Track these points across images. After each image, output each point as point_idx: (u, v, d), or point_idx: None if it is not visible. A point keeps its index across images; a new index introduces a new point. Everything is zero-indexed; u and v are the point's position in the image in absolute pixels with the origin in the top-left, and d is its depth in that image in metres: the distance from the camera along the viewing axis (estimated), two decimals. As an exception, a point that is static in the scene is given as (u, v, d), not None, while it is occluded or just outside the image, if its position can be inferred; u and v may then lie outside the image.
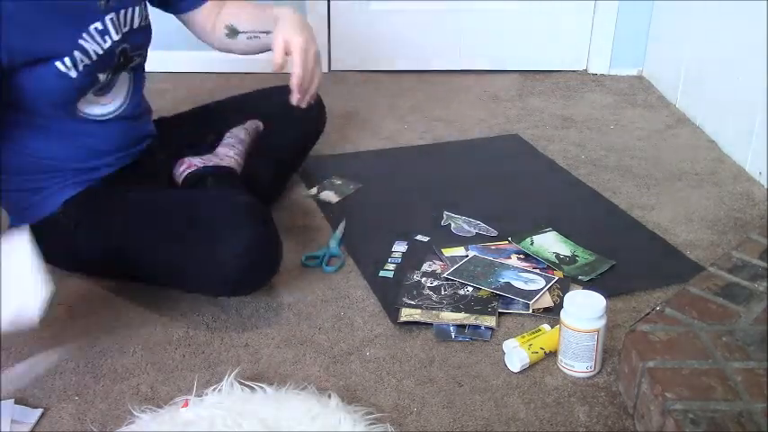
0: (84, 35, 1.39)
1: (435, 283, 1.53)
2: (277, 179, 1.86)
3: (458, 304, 1.47)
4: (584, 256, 1.63)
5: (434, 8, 2.71)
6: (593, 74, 2.79)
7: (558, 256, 1.63)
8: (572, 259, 1.62)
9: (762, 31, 1.98)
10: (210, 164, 1.65)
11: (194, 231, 1.41)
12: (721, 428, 1.05)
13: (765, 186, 1.99)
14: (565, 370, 1.33)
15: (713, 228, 1.81)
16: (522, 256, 1.64)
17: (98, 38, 1.41)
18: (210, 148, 1.71)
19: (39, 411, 1.23)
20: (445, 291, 1.51)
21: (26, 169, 1.49)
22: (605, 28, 2.73)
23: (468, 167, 2.09)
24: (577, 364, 1.32)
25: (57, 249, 1.52)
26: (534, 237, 1.69)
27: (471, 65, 2.79)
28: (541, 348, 1.36)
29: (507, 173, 2.07)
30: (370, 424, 1.19)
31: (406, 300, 1.49)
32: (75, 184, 1.50)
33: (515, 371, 1.33)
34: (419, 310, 1.46)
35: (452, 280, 1.53)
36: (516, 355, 1.33)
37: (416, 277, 1.55)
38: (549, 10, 2.72)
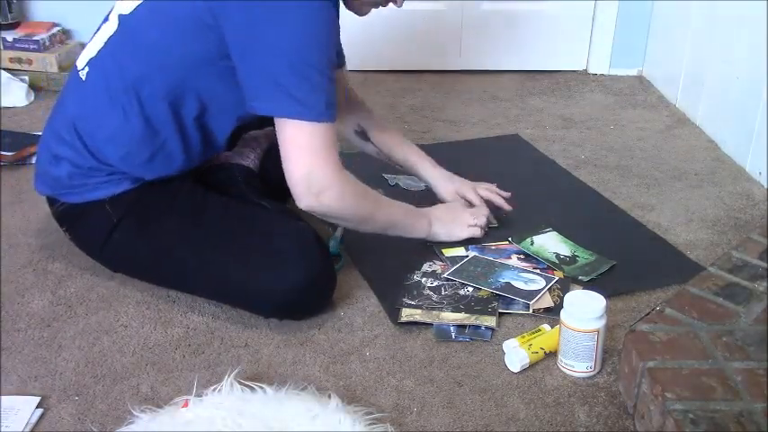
0: None
1: (436, 284, 1.53)
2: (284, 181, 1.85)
3: (458, 304, 1.47)
4: (584, 257, 1.63)
5: (434, 8, 2.71)
6: (593, 74, 2.79)
7: (558, 256, 1.63)
8: (572, 259, 1.62)
9: (762, 31, 1.98)
10: (234, 161, 1.66)
11: (257, 252, 1.42)
12: (721, 428, 1.05)
13: (765, 186, 1.99)
14: (565, 370, 1.33)
15: (713, 228, 1.81)
16: (522, 256, 1.64)
17: None
18: (231, 145, 1.71)
19: (38, 406, 1.23)
20: (445, 291, 1.51)
21: (116, 153, 1.46)
22: (605, 28, 2.73)
23: (469, 167, 2.09)
24: (577, 364, 1.32)
25: (89, 236, 1.53)
26: (534, 237, 1.69)
27: (471, 65, 2.79)
28: (541, 348, 1.36)
29: (507, 173, 2.06)
30: (370, 424, 1.19)
31: (406, 300, 1.49)
32: (134, 180, 1.48)
33: (515, 371, 1.33)
34: (419, 311, 1.46)
35: (452, 280, 1.53)
36: (516, 355, 1.33)
37: (417, 277, 1.55)
38: (549, 10, 2.72)
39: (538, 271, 1.57)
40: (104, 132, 1.45)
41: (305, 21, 1.33)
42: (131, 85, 1.42)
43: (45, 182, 1.54)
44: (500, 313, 1.46)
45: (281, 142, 1.38)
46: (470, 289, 1.51)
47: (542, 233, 1.71)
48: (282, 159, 1.39)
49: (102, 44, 1.47)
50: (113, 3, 1.51)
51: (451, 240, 1.66)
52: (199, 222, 1.47)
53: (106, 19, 1.50)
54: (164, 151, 1.47)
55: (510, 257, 1.62)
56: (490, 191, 1.79)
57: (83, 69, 1.49)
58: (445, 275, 1.55)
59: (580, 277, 1.56)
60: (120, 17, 1.46)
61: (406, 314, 1.45)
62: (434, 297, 1.49)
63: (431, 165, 1.80)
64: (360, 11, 1.58)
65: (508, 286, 1.52)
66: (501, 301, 1.48)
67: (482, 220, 1.69)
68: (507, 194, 1.80)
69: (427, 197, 1.81)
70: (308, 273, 1.41)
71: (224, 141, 1.53)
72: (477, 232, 1.68)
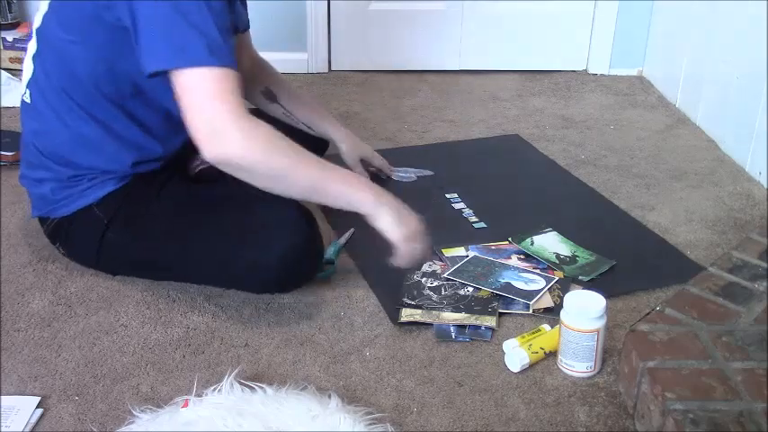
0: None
1: (436, 284, 1.53)
2: None
3: (458, 304, 1.47)
4: (584, 256, 1.63)
5: (434, 8, 2.71)
6: (593, 74, 2.79)
7: (558, 256, 1.63)
8: (572, 259, 1.62)
9: (762, 31, 1.98)
10: None
11: (243, 227, 1.43)
12: (721, 428, 1.05)
13: (765, 186, 1.99)
14: (565, 370, 1.33)
15: (713, 228, 1.81)
16: (522, 256, 1.64)
17: None
18: None
19: (38, 406, 1.23)
20: (445, 291, 1.51)
21: (88, 155, 1.47)
22: (605, 28, 2.73)
23: (469, 167, 2.09)
24: (577, 364, 1.32)
25: (83, 243, 1.54)
26: (534, 237, 1.69)
27: (471, 65, 2.79)
28: (541, 348, 1.36)
29: (508, 173, 2.07)
30: (370, 424, 1.19)
31: (406, 300, 1.48)
32: (118, 179, 1.49)
33: (515, 371, 1.33)
34: (419, 311, 1.46)
35: (453, 280, 1.53)
36: (516, 355, 1.33)
37: (416, 277, 1.55)
38: (549, 10, 2.72)
39: (538, 271, 1.57)
40: (65, 145, 1.48)
41: None
42: (64, 93, 1.44)
43: (34, 204, 1.57)
44: (500, 313, 1.46)
45: (177, 92, 1.28)
46: (470, 289, 1.51)
47: (542, 233, 1.71)
48: (183, 112, 1.29)
49: (31, 63, 1.49)
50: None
51: (390, 234, 1.39)
52: (184, 209, 1.50)
53: (29, 38, 1.52)
54: (129, 142, 1.48)
55: (510, 258, 1.62)
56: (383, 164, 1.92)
57: (25, 93, 1.52)
58: (445, 275, 1.55)
59: (580, 277, 1.56)
60: (36, 31, 1.48)
61: (407, 314, 1.45)
62: (434, 297, 1.49)
63: (337, 124, 1.86)
64: None
65: (508, 286, 1.52)
66: (501, 301, 1.49)
67: (424, 252, 1.45)
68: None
69: (416, 189, 1.86)
70: (291, 241, 1.41)
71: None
72: (407, 258, 1.43)
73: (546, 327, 1.41)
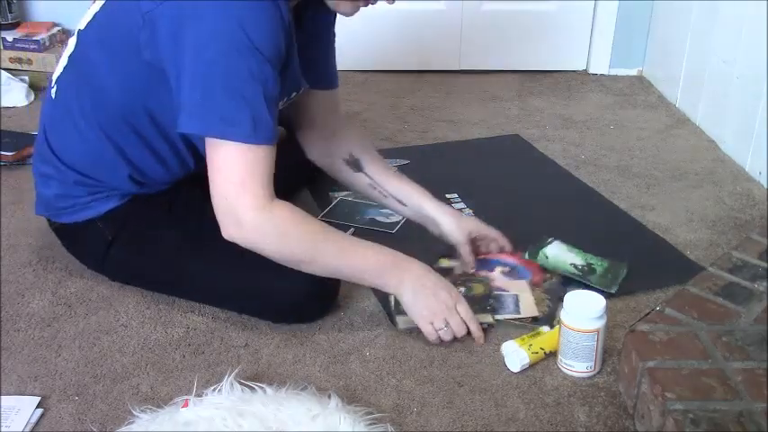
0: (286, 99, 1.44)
1: None
2: (293, 182, 1.84)
3: None
4: (598, 263, 1.60)
5: (434, 8, 2.71)
6: (593, 74, 2.79)
7: (575, 266, 1.59)
8: (589, 269, 1.58)
9: (762, 31, 1.98)
10: None
11: (260, 259, 1.32)
12: (721, 428, 1.05)
13: (765, 186, 1.99)
14: (565, 370, 1.33)
15: (713, 228, 1.81)
16: (507, 269, 1.58)
17: None
18: None
19: (38, 406, 1.23)
20: None
21: (102, 162, 1.43)
22: (605, 28, 2.73)
23: (469, 168, 2.09)
24: (577, 364, 1.32)
25: (87, 254, 1.53)
26: (544, 249, 1.63)
27: (471, 65, 2.79)
28: (541, 348, 1.36)
29: (508, 173, 2.07)
30: (370, 424, 1.19)
31: (400, 307, 1.42)
32: (121, 196, 1.47)
33: (515, 371, 1.33)
34: None
35: (328, 220, 1.53)
36: (516, 355, 1.33)
37: None
38: (549, 10, 2.72)
39: (523, 283, 1.56)
40: (76, 154, 1.45)
41: (227, 25, 1.20)
42: (86, 108, 1.41)
43: (39, 202, 1.54)
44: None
45: (209, 160, 1.27)
46: (462, 289, 1.48)
47: (548, 245, 1.65)
48: (210, 177, 1.28)
49: (65, 62, 1.45)
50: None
51: (416, 319, 1.38)
52: (198, 231, 1.44)
53: (71, 34, 1.48)
54: (138, 166, 1.45)
55: (493, 270, 1.57)
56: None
57: (53, 87, 1.48)
58: (318, 218, 1.58)
59: (609, 290, 1.52)
60: (79, 33, 1.43)
61: (405, 321, 1.43)
62: None
63: (437, 202, 1.61)
64: (344, 10, 1.39)
65: (372, 221, 1.69)
66: (494, 303, 1.47)
67: (449, 332, 1.38)
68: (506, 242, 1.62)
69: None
70: (310, 276, 1.37)
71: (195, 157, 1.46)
72: (432, 336, 1.38)
73: (545, 328, 1.41)
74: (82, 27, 1.43)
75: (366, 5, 1.38)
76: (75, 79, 1.43)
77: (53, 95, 1.48)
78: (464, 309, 1.39)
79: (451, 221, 1.57)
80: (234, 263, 1.39)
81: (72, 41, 1.45)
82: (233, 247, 1.31)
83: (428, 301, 1.37)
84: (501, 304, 1.47)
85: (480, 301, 1.47)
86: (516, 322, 1.44)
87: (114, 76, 1.36)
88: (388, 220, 1.73)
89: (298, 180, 1.87)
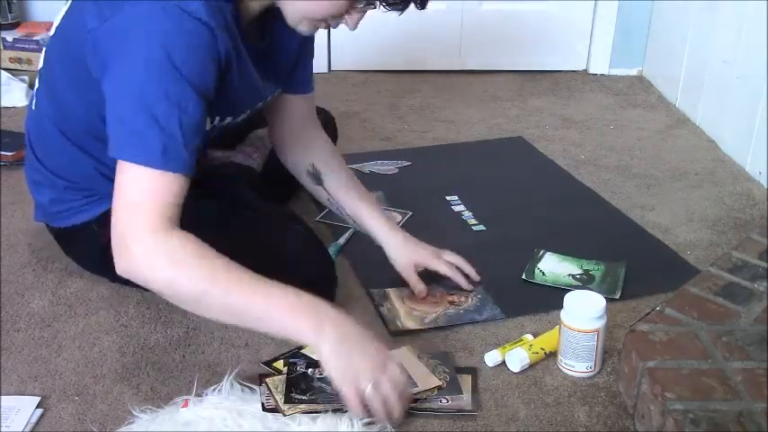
0: (249, 111, 1.43)
1: (325, 374, 1.18)
2: (288, 182, 1.83)
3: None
4: (595, 268, 1.60)
5: (434, 8, 2.70)
6: (593, 74, 2.79)
7: (573, 277, 1.58)
8: (588, 276, 1.58)
9: (762, 31, 1.98)
10: (234, 160, 1.65)
11: (255, 255, 1.23)
12: (721, 428, 1.05)
13: (765, 186, 1.99)
14: (565, 370, 1.33)
15: (713, 228, 1.81)
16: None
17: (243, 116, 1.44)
18: (234, 143, 1.69)
19: (38, 406, 1.23)
20: None
21: (85, 173, 1.42)
22: (605, 28, 2.73)
23: (470, 170, 2.09)
24: (577, 364, 1.32)
25: (85, 257, 1.53)
26: (539, 266, 1.61)
27: (471, 65, 2.79)
28: (541, 348, 1.36)
29: (509, 176, 2.06)
30: (370, 424, 1.19)
31: (296, 395, 1.21)
32: (110, 197, 1.44)
33: (515, 371, 1.33)
34: (316, 405, 1.20)
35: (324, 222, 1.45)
36: (516, 355, 1.33)
37: (301, 368, 1.28)
38: (549, 10, 2.72)
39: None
40: (60, 164, 1.45)
41: (149, 48, 1.14)
42: (60, 124, 1.40)
43: (37, 208, 1.55)
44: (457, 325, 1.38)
45: (116, 183, 1.19)
46: None
47: (541, 258, 1.64)
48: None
49: (38, 73, 1.45)
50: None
51: (328, 373, 1.16)
52: (191, 229, 1.37)
53: (38, 40, 1.49)
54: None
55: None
56: (457, 260, 1.54)
57: (33, 100, 1.48)
58: (317, 219, 1.57)
59: (611, 296, 1.50)
60: (46, 46, 1.43)
61: (295, 410, 1.18)
62: (329, 389, 1.20)
63: (387, 226, 1.55)
64: (302, 29, 1.32)
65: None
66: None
67: (378, 398, 1.14)
68: (472, 271, 1.54)
69: (400, 180, 1.81)
70: (306, 275, 1.33)
71: None
72: (355, 402, 1.14)
73: (528, 336, 1.40)
74: (50, 35, 1.43)
75: (327, 28, 1.35)
76: (46, 93, 1.42)
77: (33, 107, 1.48)
78: (396, 372, 1.17)
79: (397, 249, 1.52)
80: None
81: (42, 54, 1.45)
82: (222, 241, 1.21)
83: (353, 358, 1.15)
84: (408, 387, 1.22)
85: None
86: (426, 397, 1.24)
87: (73, 90, 1.33)
88: None
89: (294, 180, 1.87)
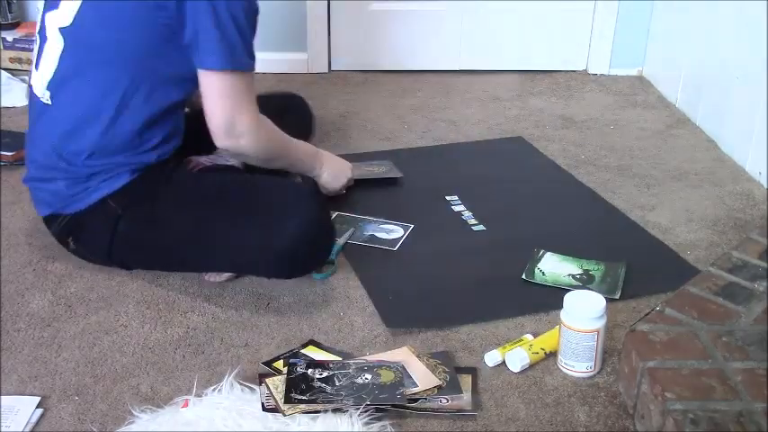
0: None
1: (325, 374, 1.28)
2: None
3: (359, 394, 1.24)
4: (595, 268, 1.60)
5: (434, 8, 2.71)
6: (593, 74, 2.79)
7: (573, 277, 1.58)
8: (588, 276, 1.58)
9: (761, 31, 1.98)
10: (219, 162, 1.66)
11: (256, 210, 1.48)
12: (721, 428, 1.05)
13: (765, 186, 1.99)
14: (565, 370, 1.33)
15: (713, 228, 1.81)
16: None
17: None
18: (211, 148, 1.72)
19: (38, 406, 1.23)
20: (339, 381, 1.27)
21: (112, 151, 1.49)
22: (605, 28, 2.73)
23: (470, 169, 2.09)
24: (577, 364, 1.32)
25: (96, 236, 1.53)
26: (539, 266, 1.61)
27: (471, 65, 2.79)
28: (541, 348, 1.36)
29: (509, 176, 2.06)
30: (370, 423, 1.19)
31: (295, 395, 1.22)
32: (131, 171, 1.50)
33: (515, 371, 1.33)
34: (316, 405, 1.21)
35: (339, 364, 1.33)
36: (516, 355, 1.33)
37: (301, 369, 1.29)
38: (549, 10, 2.72)
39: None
40: (91, 145, 1.47)
41: None
42: (103, 94, 1.45)
43: (43, 201, 1.55)
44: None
45: (203, 86, 1.47)
46: (368, 377, 1.28)
47: (541, 258, 1.64)
48: (204, 103, 1.48)
49: (54, 65, 1.48)
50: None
51: (327, 189, 1.78)
52: (194, 195, 1.52)
53: (44, 38, 1.51)
54: (155, 131, 1.50)
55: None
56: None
57: (44, 95, 1.50)
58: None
59: (611, 296, 1.50)
60: (62, 31, 1.47)
61: (296, 410, 1.20)
62: (329, 389, 1.25)
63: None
64: None
65: (372, 237, 1.70)
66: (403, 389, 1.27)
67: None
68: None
69: (416, 190, 1.81)
70: (306, 221, 1.46)
71: (185, 102, 1.58)
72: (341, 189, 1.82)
73: (528, 336, 1.40)
74: (65, 24, 1.46)
75: None
76: (77, 74, 1.47)
77: (48, 102, 1.50)
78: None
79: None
80: (230, 220, 1.47)
81: (54, 44, 1.48)
82: (222, 203, 1.50)
83: (342, 168, 1.83)
84: (408, 386, 1.27)
85: (390, 390, 1.26)
86: (426, 397, 1.26)
87: (127, 49, 1.45)
88: (390, 237, 1.72)
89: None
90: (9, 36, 2.62)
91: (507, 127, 2.36)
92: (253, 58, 1.49)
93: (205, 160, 1.66)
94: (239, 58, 1.45)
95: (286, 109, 1.92)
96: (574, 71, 2.81)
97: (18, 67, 2.61)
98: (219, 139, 1.50)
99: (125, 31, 1.44)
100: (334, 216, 1.75)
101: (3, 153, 2.03)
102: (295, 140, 1.69)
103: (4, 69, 2.54)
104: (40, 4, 1.54)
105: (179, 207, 1.50)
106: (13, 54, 2.61)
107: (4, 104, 2.40)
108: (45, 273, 1.59)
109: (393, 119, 2.39)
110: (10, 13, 2.68)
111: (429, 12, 2.72)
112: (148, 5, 1.41)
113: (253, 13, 1.48)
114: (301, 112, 2.04)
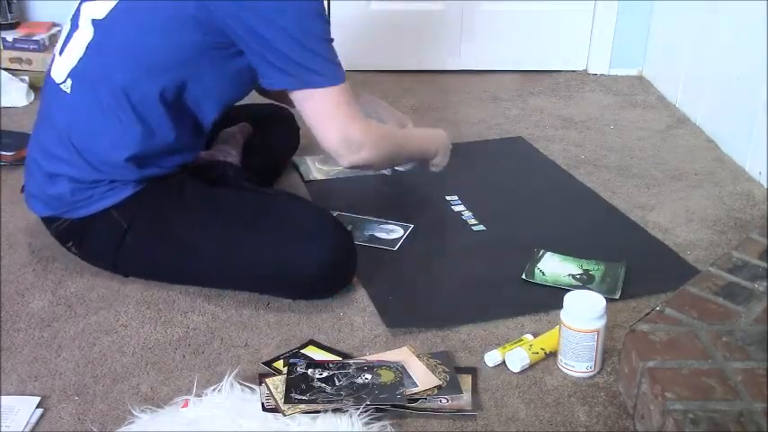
0: None
1: (325, 374, 1.28)
2: (267, 172, 1.90)
3: (359, 394, 1.24)
4: (595, 268, 1.60)
5: (434, 8, 2.71)
6: (593, 74, 2.79)
7: (573, 277, 1.58)
8: (588, 276, 1.58)
9: (761, 31, 1.98)
10: (218, 158, 1.66)
11: (281, 233, 1.45)
12: (721, 428, 1.05)
13: (765, 186, 1.99)
14: (565, 370, 1.33)
15: (713, 228, 1.81)
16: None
17: None
18: (209, 144, 1.71)
19: (38, 406, 1.24)
20: (339, 381, 1.26)
21: (121, 159, 1.45)
22: (605, 28, 2.73)
23: (471, 169, 2.09)
24: (577, 364, 1.32)
25: (100, 246, 1.52)
26: (539, 266, 1.61)
27: (471, 65, 2.79)
28: (542, 349, 1.36)
29: (510, 176, 2.06)
30: (370, 423, 1.19)
31: (295, 395, 1.22)
32: (136, 183, 1.47)
33: (515, 371, 1.33)
34: (316, 405, 1.21)
35: (341, 364, 1.32)
36: (516, 355, 1.33)
37: (301, 369, 1.29)
38: (549, 10, 2.72)
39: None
40: (104, 143, 1.45)
41: None
42: (122, 93, 1.42)
43: (42, 201, 1.53)
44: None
45: (305, 112, 1.47)
46: (368, 377, 1.28)
47: (541, 258, 1.64)
48: (312, 128, 1.48)
49: (80, 53, 1.46)
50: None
51: (437, 167, 1.80)
52: (214, 213, 1.48)
53: (75, 26, 1.48)
54: (164, 146, 1.47)
55: None
56: None
57: (64, 82, 1.47)
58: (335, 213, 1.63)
59: (611, 296, 1.50)
60: (95, 23, 1.44)
61: (300, 409, 1.21)
62: (329, 389, 1.25)
63: None
64: None
65: (372, 237, 1.69)
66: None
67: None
68: None
69: (416, 190, 1.86)
70: (331, 248, 1.46)
71: (209, 128, 1.55)
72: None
73: (528, 336, 1.40)
74: (99, 16, 1.44)
75: None
76: (101, 67, 1.43)
77: (66, 90, 1.46)
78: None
79: None
80: (253, 242, 1.44)
81: (84, 32, 1.45)
82: (246, 223, 1.46)
83: (447, 153, 1.82)
84: (408, 386, 1.27)
85: (390, 390, 1.25)
86: (426, 397, 1.26)
87: (162, 58, 1.41)
88: (389, 237, 1.72)
89: (273, 170, 1.96)
90: (9, 36, 2.62)
91: (507, 127, 2.36)
92: (339, 64, 1.46)
93: (204, 155, 1.65)
94: (332, 73, 1.44)
95: (272, 122, 1.91)
96: (574, 71, 2.81)
97: (18, 67, 2.61)
98: (344, 158, 1.50)
99: (156, 38, 1.41)
100: (335, 215, 1.75)
101: (3, 153, 2.03)
102: (401, 130, 1.71)
103: (4, 69, 2.54)
104: None
105: (194, 224, 1.47)
106: (13, 54, 2.62)
107: (4, 104, 2.40)
108: (45, 273, 1.59)
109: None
110: (10, 13, 2.68)
111: (429, 11, 2.72)
112: (186, 19, 1.38)
113: (321, 10, 1.44)
114: (287, 124, 1.95)
